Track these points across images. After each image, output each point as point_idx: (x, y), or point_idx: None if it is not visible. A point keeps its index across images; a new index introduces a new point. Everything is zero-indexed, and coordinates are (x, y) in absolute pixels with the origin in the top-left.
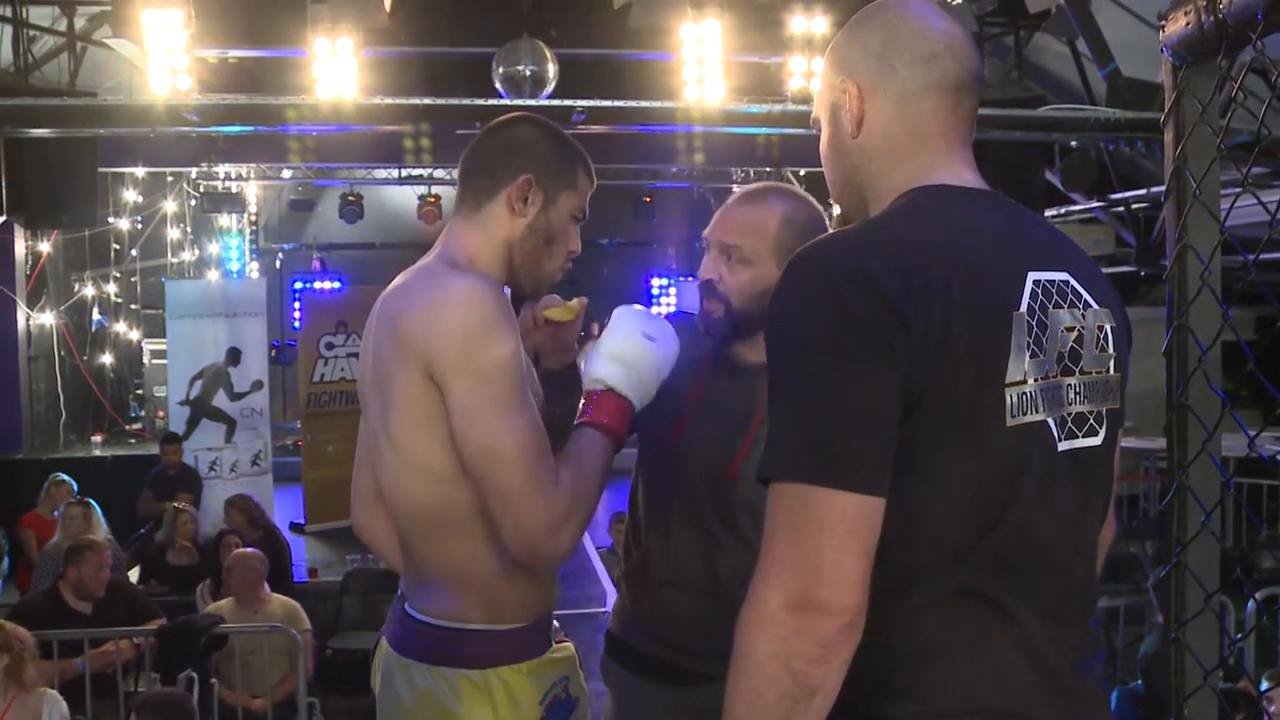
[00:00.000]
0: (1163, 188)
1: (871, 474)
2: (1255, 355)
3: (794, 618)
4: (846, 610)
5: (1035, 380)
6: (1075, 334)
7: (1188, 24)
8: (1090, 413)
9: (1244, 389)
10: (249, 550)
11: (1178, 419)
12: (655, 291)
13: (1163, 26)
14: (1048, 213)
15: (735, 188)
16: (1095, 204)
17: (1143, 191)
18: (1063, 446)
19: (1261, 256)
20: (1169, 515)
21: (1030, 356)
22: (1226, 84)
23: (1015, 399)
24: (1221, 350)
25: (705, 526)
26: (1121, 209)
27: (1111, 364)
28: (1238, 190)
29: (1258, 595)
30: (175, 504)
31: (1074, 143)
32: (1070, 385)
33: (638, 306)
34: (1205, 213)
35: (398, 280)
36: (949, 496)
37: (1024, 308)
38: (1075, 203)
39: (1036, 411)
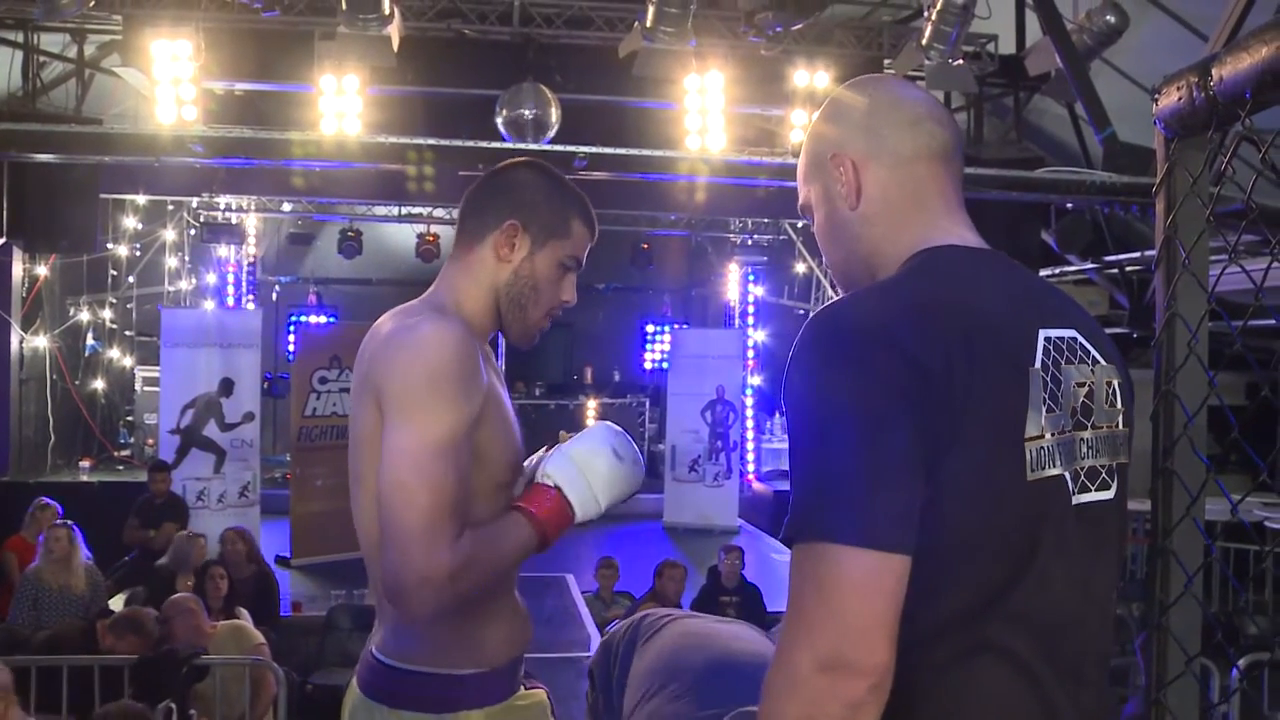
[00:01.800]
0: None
1: (897, 531)
2: (1246, 420)
3: (824, 679)
4: (876, 670)
5: (1052, 435)
6: (1086, 389)
7: (1180, 99)
8: (1102, 467)
9: (1233, 454)
10: (178, 595)
11: (1163, 484)
12: (649, 338)
13: (1156, 100)
14: (1042, 273)
15: (733, 238)
16: (1090, 265)
17: (1136, 254)
18: (1076, 500)
19: (1250, 323)
20: (1151, 579)
21: (1047, 412)
22: (1217, 157)
23: (1034, 453)
24: (1211, 414)
25: None
26: (1115, 271)
27: (1120, 419)
28: (1226, 259)
29: (1241, 663)
30: (186, 532)
31: (1070, 204)
32: (1083, 439)
33: (616, 426)
34: (1194, 282)
35: (380, 319)
36: (972, 551)
37: (1039, 364)
38: (1070, 264)
39: (1054, 466)
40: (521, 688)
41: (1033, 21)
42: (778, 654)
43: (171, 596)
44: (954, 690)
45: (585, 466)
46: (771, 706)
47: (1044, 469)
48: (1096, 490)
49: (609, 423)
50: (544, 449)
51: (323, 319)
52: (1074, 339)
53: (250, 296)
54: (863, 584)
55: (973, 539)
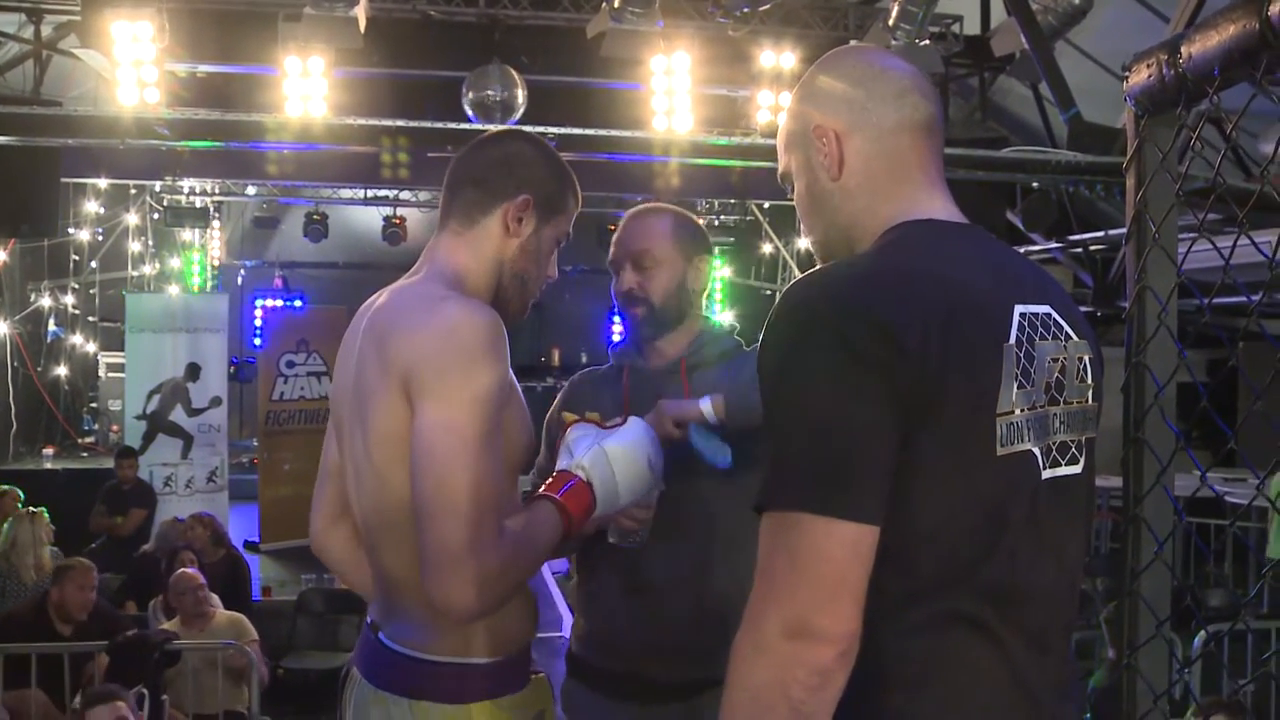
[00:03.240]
0: (1120, 231)
1: (869, 504)
2: (1208, 395)
3: (792, 645)
4: (843, 638)
5: (1023, 411)
6: (1059, 365)
7: (1150, 76)
8: (1072, 441)
9: (1196, 429)
10: (188, 570)
11: (1134, 453)
12: (616, 321)
13: (1127, 77)
14: None
15: (700, 219)
16: (1054, 245)
17: (1100, 234)
18: (1046, 475)
19: (1215, 301)
20: (1123, 545)
21: (1019, 388)
22: (1184, 132)
23: (1005, 429)
24: (1176, 391)
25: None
26: (1080, 250)
27: (1090, 394)
28: (1194, 235)
29: (1210, 628)
30: (171, 518)
31: (1035, 184)
32: (1055, 415)
33: (651, 430)
34: (1163, 256)
35: (385, 298)
36: (942, 523)
37: (1013, 340)
38: (1035, 243)
39: (1024, 441)
40: (530, 674)
41: (998, 2)
42: (747, 618)
43: (178, 571)
44: (921, 656)
45: (621, 474)
46: (739, 670)
47: (1014, 444)
48: (1066, 465)
49: (646, 425)
50: (566, 427)
51: (289, 303)
52: (1048, 315)
53: (215, 280)
54: (833, 553)
55: (942, 512)
